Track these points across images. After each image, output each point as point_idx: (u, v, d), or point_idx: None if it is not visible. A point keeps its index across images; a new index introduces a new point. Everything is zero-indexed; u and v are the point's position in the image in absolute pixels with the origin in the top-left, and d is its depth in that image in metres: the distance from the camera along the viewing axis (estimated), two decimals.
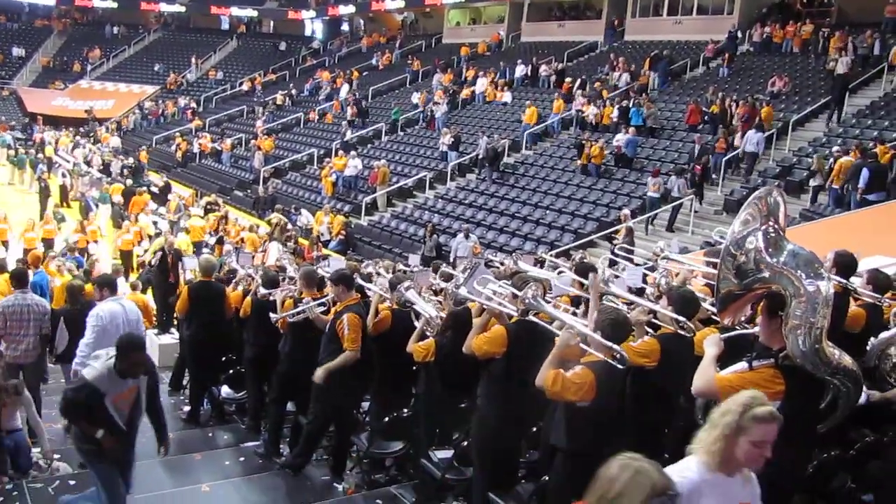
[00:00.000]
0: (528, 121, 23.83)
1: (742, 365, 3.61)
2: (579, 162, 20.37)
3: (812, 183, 15.68)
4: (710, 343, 3.80)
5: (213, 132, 34.27)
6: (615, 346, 4.10)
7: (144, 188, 24.90)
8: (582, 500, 2.71)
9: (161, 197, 25.05)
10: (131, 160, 30.32)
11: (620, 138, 20.03)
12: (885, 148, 14.85)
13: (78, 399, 4.88)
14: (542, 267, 8.46)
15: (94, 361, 4.96)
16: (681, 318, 4.58)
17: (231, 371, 8.58)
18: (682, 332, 4.58)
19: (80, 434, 5.08)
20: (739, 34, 25.49)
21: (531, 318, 4.73)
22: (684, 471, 2.95)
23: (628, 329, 4.45)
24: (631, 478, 2.59)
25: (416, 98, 29.69)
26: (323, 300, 6.88)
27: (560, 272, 6.92)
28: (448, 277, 7.01)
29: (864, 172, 13.95)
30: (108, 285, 6.93)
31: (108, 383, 4.84)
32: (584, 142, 20.40)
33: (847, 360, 3.57)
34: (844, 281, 5.31)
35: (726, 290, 3.63)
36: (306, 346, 6.80)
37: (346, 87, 34.18)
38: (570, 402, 4.18)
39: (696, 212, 16.85)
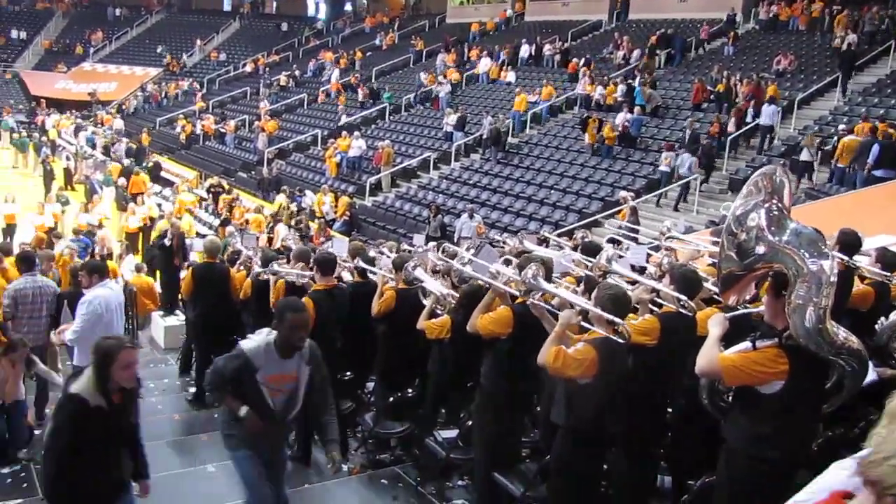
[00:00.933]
0: (517, 108, 23.50)
1: (746, 345, 3.59)
2: (587, 141, 20.23)
3: (802, 158, 15.64)
4: (714, 323, 3.78)
5: (215, 114, 34.21)
6: (617, 320, 4.11)
7: (142, 169, 24.92)
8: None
9: (153, 177, 25.12)
10: (130, 142, 30.32)
11: (625, 118, 19.87)
12: (884, 126, 14.90)
13: (227, 368, 4.34)
14: (546, 246, 8.45)
15: (254, 335, 4.45)
16: (682, 297, 4.58)
17: None
18: (684, 311, 4.57)
19: (225, 416, 4.60)
20: (739, 15, 25.42)
21: (534, 299, 4.71)
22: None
23: (628, 305, 4.44)
24: None
25: (423, 78, 29.52)
26: (306, 273, 6.90)
27: (561, 249, 6.93)
28: (452, 255, 7.02)
29: (875, 148, 13.98)
30: (97, 271, 6.80)
31: (265, 359, 4.30)
32: (589, 120, 20.23)
33: (852, 339, 3.54)
34: (848, 259, 5.29)
35: (727, 270, 3.61)
36: None
37: (336, 72, 33.96)
38: (572, 378, 4.19)
39: (701, 191, 16.80)
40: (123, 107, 39.39)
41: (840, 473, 2.38)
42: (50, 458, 3.85)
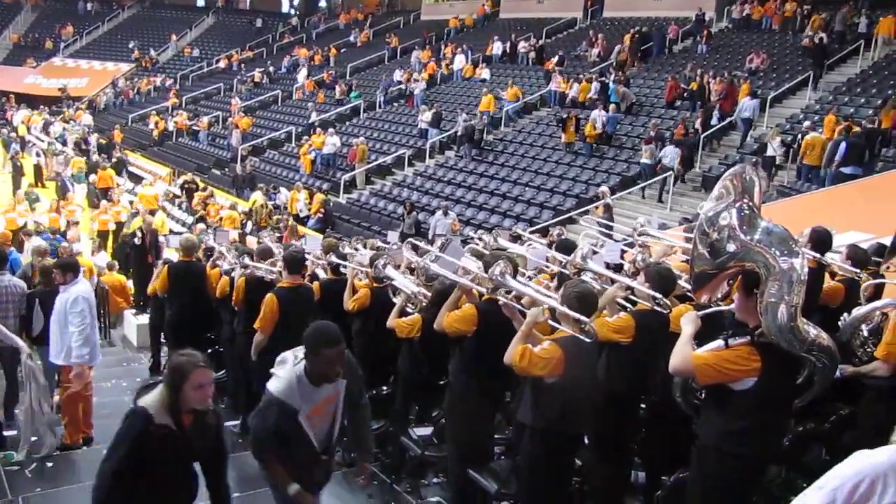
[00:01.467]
0: (484, 108, 23.37)
1: (718, 343, 3.62)
2: (563, 139, 20.18)
3: (768, 153, 15.88)
4: (686, 321, 3.81)
5: (189, 110, 33.97)
6: (583, 318, 4.11)
7: (108, 164, 24.75)
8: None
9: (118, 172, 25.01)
10: (100, 137, 30.05)
11: (598, 115, 19.90)
12: (850, 122, 15.20)
13: (266, 423, 3.84)
14: (520, 243, 8.46)
15: (278, 370, 3.93)
16: (657, 295, 4.60)
17: (209, 350, 8.52)
18: (659, 309, 4.60)
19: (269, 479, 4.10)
20: (712, 14, 25.71)
21: (500, 296, 4.71)
22: (876, 454, 2.45)
23: (595, 303, 4.44)
24: None
25: (398, 76, 29.44)
26: (272, 268, 6.91)
27: (530, 245, 6.93)
28: (421, 253, 7.02)
29: (842, 146, 14.20)
30: (72, 269, 6.79)
31: (300, 395, 3.81)
32: (567, 118, 20.19)
33: (823, 336, 3.59)
34: (819, 256, 5.35)
35: (700, 269, 3.63)
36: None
37: (304, 71, 33.96)
38: (538, 377, 4.19)
39: (675, 188, 16.91)
40: (94, 103, 38.97)
41: (868, 459, 2.44)
42: (103, 470, 3.60)
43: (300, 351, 3.89)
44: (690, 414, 3.99)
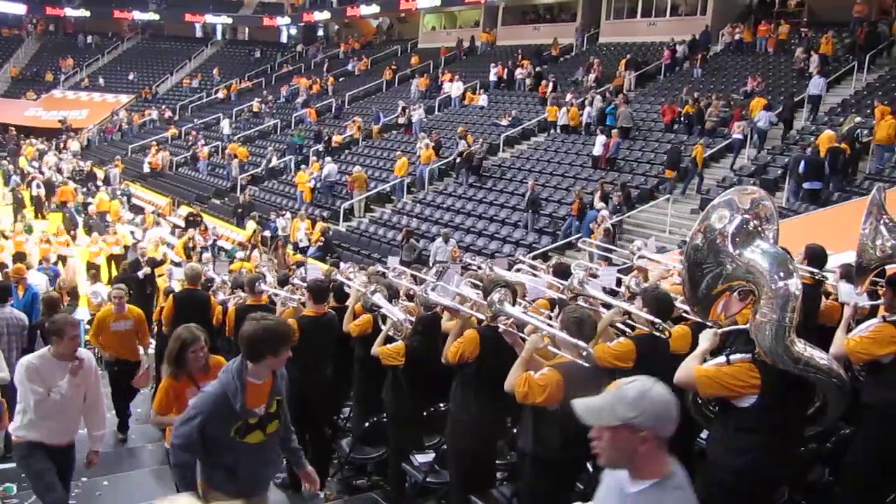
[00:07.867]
0: (397, 172, 23.03)
1: (720, 359, 3.69)
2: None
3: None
4: (704, 337, 3.90)
5: (187, 140, 34.18)
6: (581, 343, 4.09)
7: (68, 181, 25.08)
8: None
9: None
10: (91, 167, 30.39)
11: (604, 142, 20.03)
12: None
13: None
14: (517, 271, 8.46)
15: None
16: (656, 320, 4.60)
17: None
18: (657, 334, 4.59)
19: None
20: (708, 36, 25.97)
21: (500, 322, 4.70)
22: None
23: (593, 328, 4.43)
24: None
25: (402, 104, 29.43)
26: (295, 298, 6.93)
27: (527, 271, 6.94)
28: (418, 281, 7.03)
29: (802, 163, 14.97)
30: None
31: None
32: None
33: (819, 356, 3.57)
34: (817, 271, 5.37)
35: (693, 298, 3.68)
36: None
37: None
38: (539, 404, 4.16)
39: (672, 213, 16.92)
40: (78, 140, 39.00)
41: None
42: None
43: None
44: (703, 425, 4.01)
